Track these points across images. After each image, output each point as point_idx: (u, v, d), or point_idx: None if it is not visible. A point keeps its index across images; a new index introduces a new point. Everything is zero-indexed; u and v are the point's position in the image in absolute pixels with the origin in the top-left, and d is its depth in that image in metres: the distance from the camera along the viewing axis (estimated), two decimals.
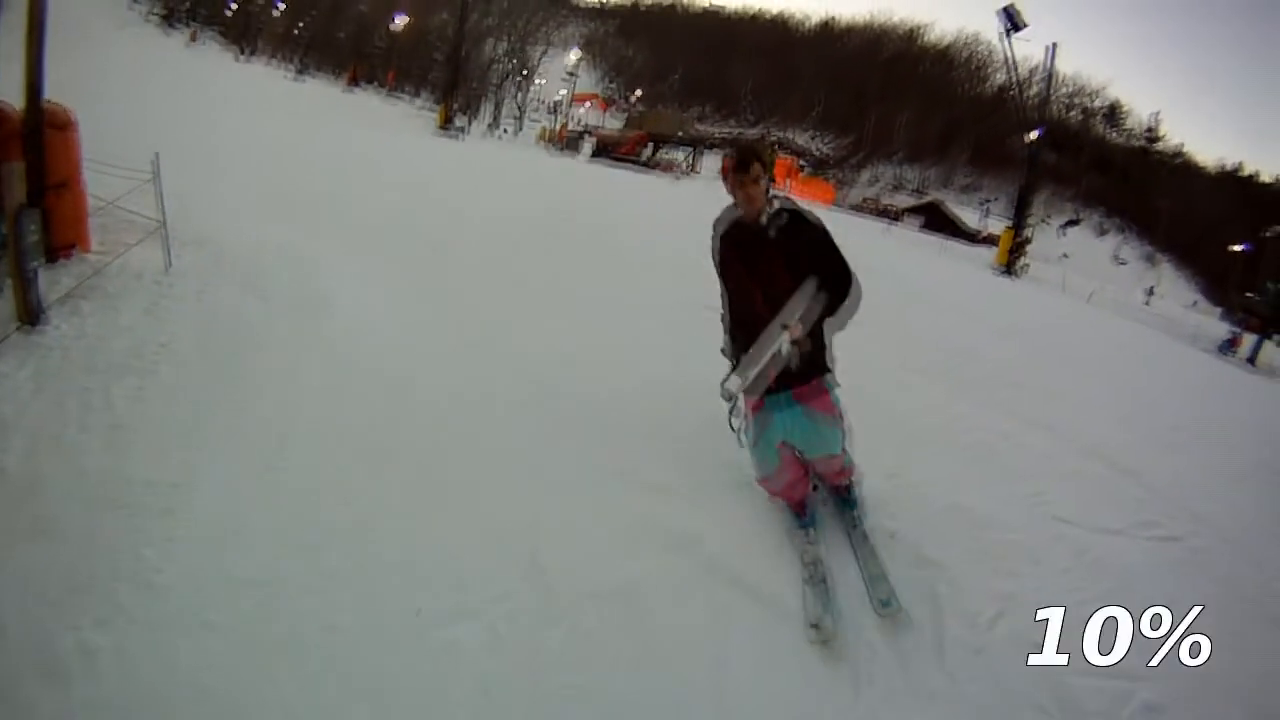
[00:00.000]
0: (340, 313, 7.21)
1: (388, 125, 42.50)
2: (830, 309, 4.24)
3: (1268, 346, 35.05)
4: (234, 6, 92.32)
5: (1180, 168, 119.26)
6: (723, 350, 4.73)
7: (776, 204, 4.35)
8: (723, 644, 3.90)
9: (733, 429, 4.53)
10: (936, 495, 5.24)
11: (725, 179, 4.34)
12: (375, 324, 7.14)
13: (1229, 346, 35.19)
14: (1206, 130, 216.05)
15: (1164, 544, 5.52)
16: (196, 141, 15.28)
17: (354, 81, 77.72)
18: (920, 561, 4.60)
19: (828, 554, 4.51)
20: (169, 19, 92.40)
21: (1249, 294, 45.71)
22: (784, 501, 4.81)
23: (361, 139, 25.40)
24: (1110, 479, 6.57)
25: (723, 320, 4.70)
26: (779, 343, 4.09)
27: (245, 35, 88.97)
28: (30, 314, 5.98)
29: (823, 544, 4.53)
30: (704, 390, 6.58)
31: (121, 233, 7.70)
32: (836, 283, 4.23)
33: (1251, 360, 32.58)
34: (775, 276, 4.26)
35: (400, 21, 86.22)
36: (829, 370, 4.51)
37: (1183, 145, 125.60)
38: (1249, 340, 35.67)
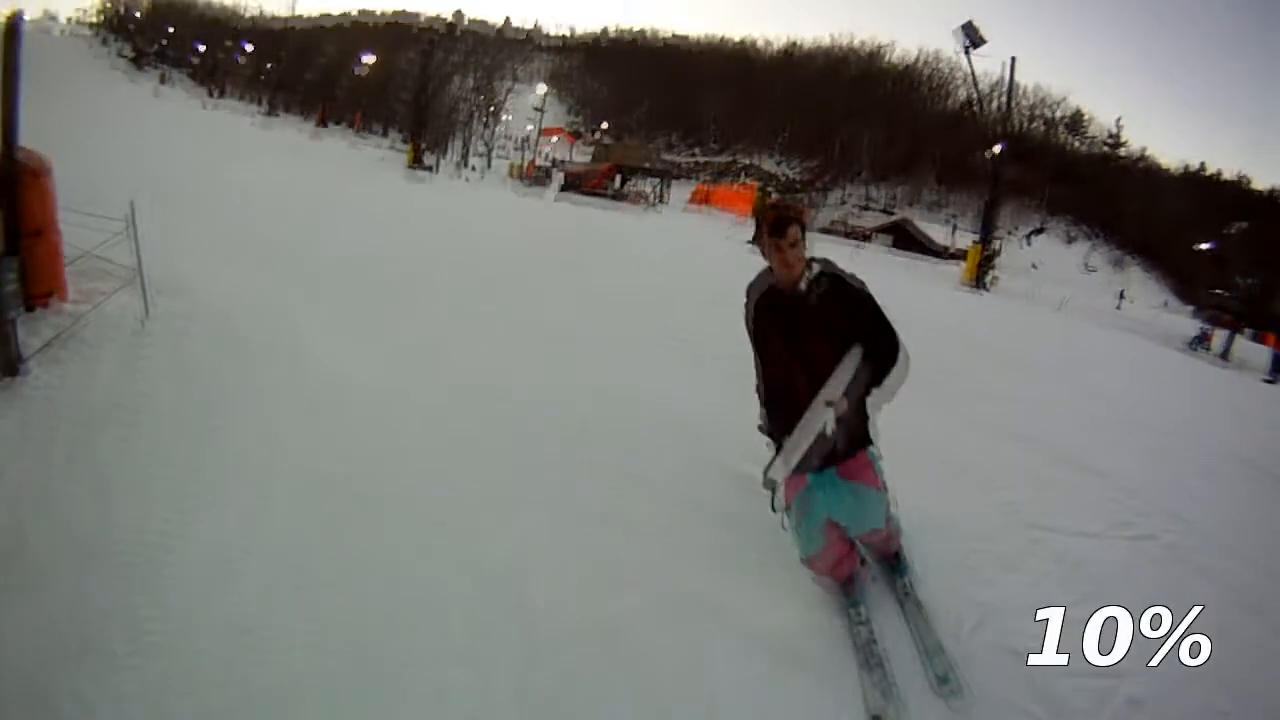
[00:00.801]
0: (317, 360, 7.25)
1: (357, 165, 42.43)
2: (876, 379, 4.03)
3: (1239, 341, 35.48)
4: (201, 49, 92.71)
5: (1144, 171, 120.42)
6: (760, 427, 4.46)
7: (816, 267, 4.10)
8: (708, 676, 3.96)
9: (774, 510, 4.27)
10: (910, 509, 5.28)
11: (759, 242, 4.10)
12: (352, 370, 7.17)
13: (1199, 342, 35.61)
14: (1168, 132, 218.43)
15: (1141, 542, 5.76)
16: (168, 185, 15.23)
17: (323, 122, 77.85)
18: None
19: (880, 629, 4.32)
20: (137, 62, 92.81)
21: (1218, 290, 46.24)
22: (830, 580, 4.48)
23: (332, 180, 25.43)
24: (1084, 483, 6.76)
25: (758, 391, 4.44)
26: (823, 421, 3.90)
27: (213, 78, 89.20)
28: (9, 364, 5.99)
29: (874, 620, 4.31)
30: (685, 428, 6.79)
31: (98, 281, 7.70)
32: (882, 351, 4.00)
33: (1224, 355, 33.00)
34: (816, 347, 4.02)
35: (367, 62, 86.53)
36: (871, 442, 4.27)
37: (1145, 149, 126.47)
38: (1220, 336, 36.12)
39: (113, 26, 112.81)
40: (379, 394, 6.77)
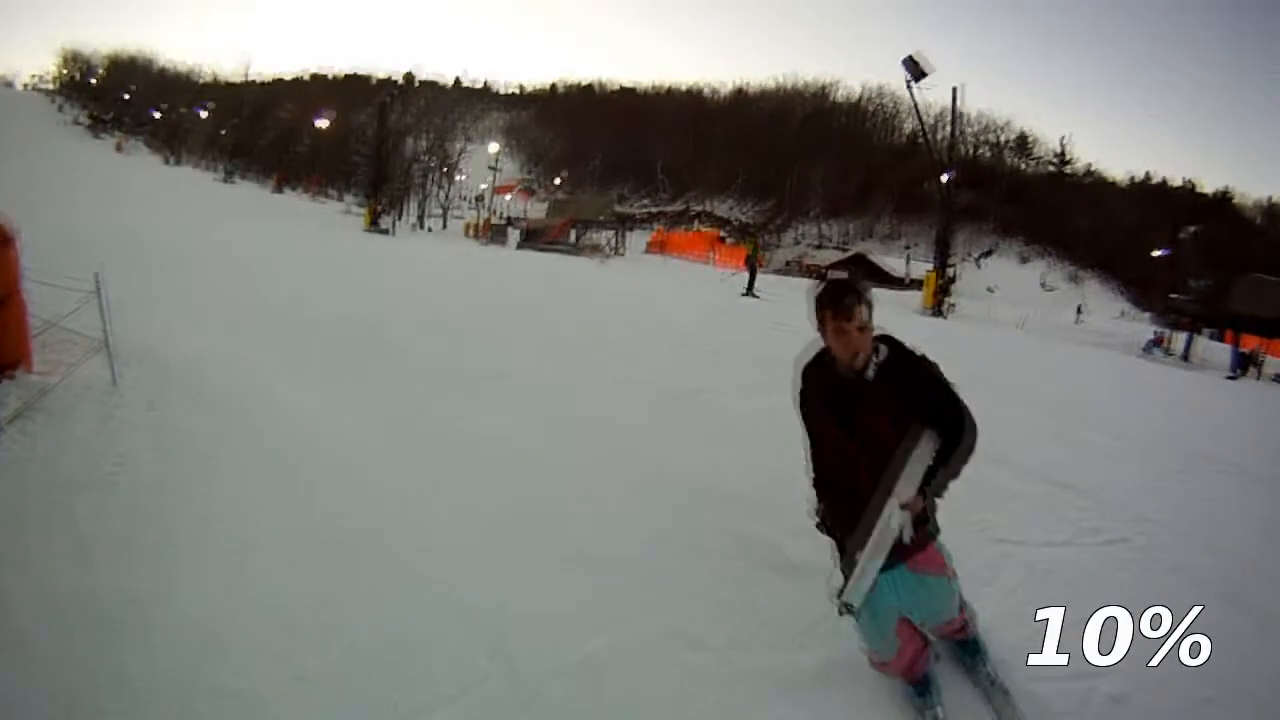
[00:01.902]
0: (288, 418, 7.36)
1: (317, 226, 42.61)
2: (943, 458, 3.56)
3: (1200, 341, 36.10)
4: (157, 114, 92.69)
5: (1093, 186, 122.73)
6: (818, 521, 3.96)
7: (883, 350, 3.62)
8: (692, 713, 4.00)
9: (840, 614, 3.71)
10: None
11: (818, 320, 3.59)
12: (324, 426, 7.28)
13: (1154, 345, 36.30)
14: (1114, 145, 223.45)
15: (1112, 546, 5.91)
16: (131, 250, 15.33)
17: (280, 186, 78.02)
18: None
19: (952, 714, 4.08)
20: (95, 127, 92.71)
21: (1174, 295, 47.01)
22: (902, 680, 4.08)
23: (294, 241, 25.60)
24: (1052, 495, 6.94)
25: (809, 475, 3.95)
26: (895, 521, 3.48)
27: (171, 141, 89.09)
28: None
29: (942, 706, 4.03)
30: (657, 469, 6.91)
31: (63, 349, 7.77)
32: (950, 429, 3.56)
33: (1186, 357, 33.61)
34: (878, 428, 3.58)
35: (323, 122, 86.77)
36: (937, 528, 3.86)
37: (1092, 164, 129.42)
38: (1178, 338, 36.79)
39: (70, 91, 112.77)
40: (352, 448, 6.87)
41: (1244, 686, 4.22)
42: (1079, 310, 64.88)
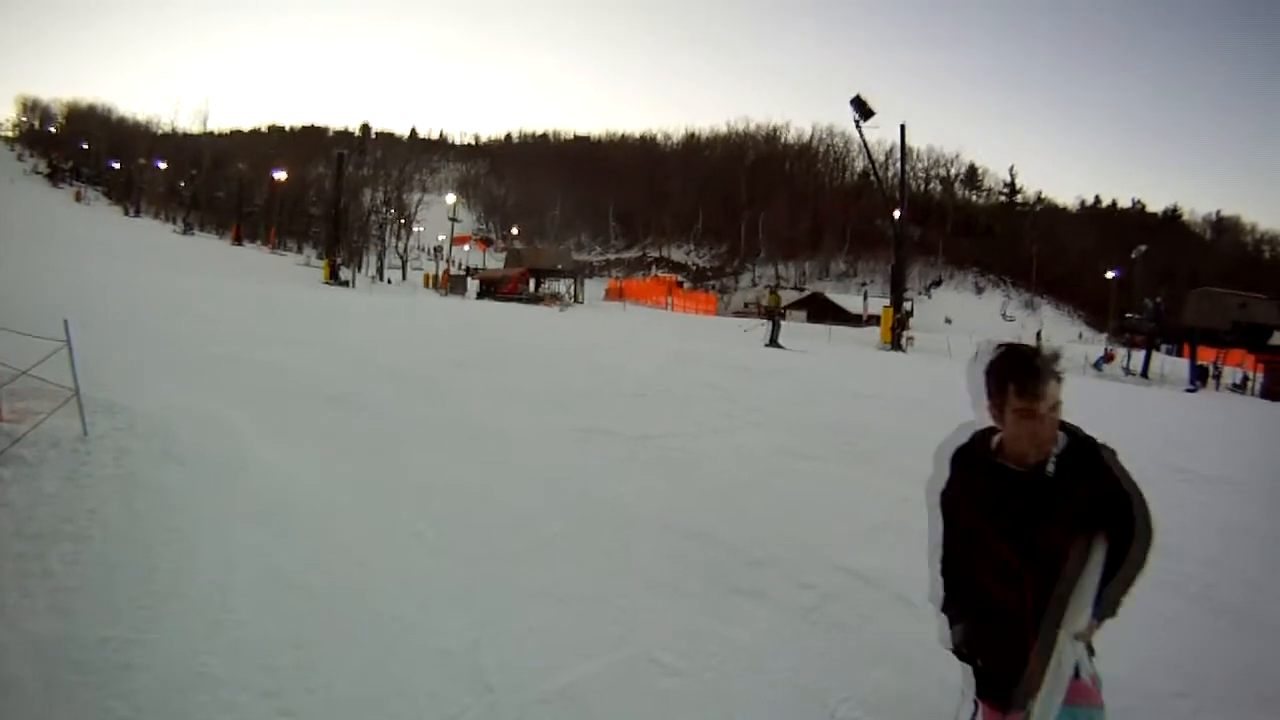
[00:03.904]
0: (259, 468, 7.43)
1: (277, 279, 42.56)
2: (1112, 571, 2.80)
3: (1157, 357, 36.79)
4: (116, 164, 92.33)
5: (1044, 213, 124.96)
6: (953, 648, 3.14)
7: (1062, 438, 2.82)
8: None
9: None
10: (835, 565, 5.86)
11: (995, 397, 2.82)
12: (295, 476, 7.38)
13: (1103, 362, 36.98)
14: (1062, 172, 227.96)
15: None
16: (94, 301, 15.29)
17: (239, 238, 77.84)
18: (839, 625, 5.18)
19: None
20: (53, 177, 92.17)
21: (1129, 314, 47.85)
22: None
23: (254, 295, 25.52)
24: None
25: (936, 592, 3.21)
26: (1069, 656, 2.71)
27: (129, 194, 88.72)
28: None
29: None
30: (621, 507, 7.12)
31: (29, 399, 7.73)
32: (1124, 533, 2.81)
33: (1144, 374, 34.22)
34: (1051, 544, 2.76)
35: (280, 175, 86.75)
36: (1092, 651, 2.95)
37: (1041, 192, 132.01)
38: (1123, 355, 37.58)
39: (29, 140, 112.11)
40: (322, 497, 6.97)
41: (1213, 680, 4.38)
42: (1037, 336, 65.86)
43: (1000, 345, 2.91)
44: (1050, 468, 2.75)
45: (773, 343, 27.70)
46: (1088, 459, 2.80)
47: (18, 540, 5.44)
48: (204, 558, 5.50)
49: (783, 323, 30.74)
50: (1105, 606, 2.80)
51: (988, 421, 2.92)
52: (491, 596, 5.35)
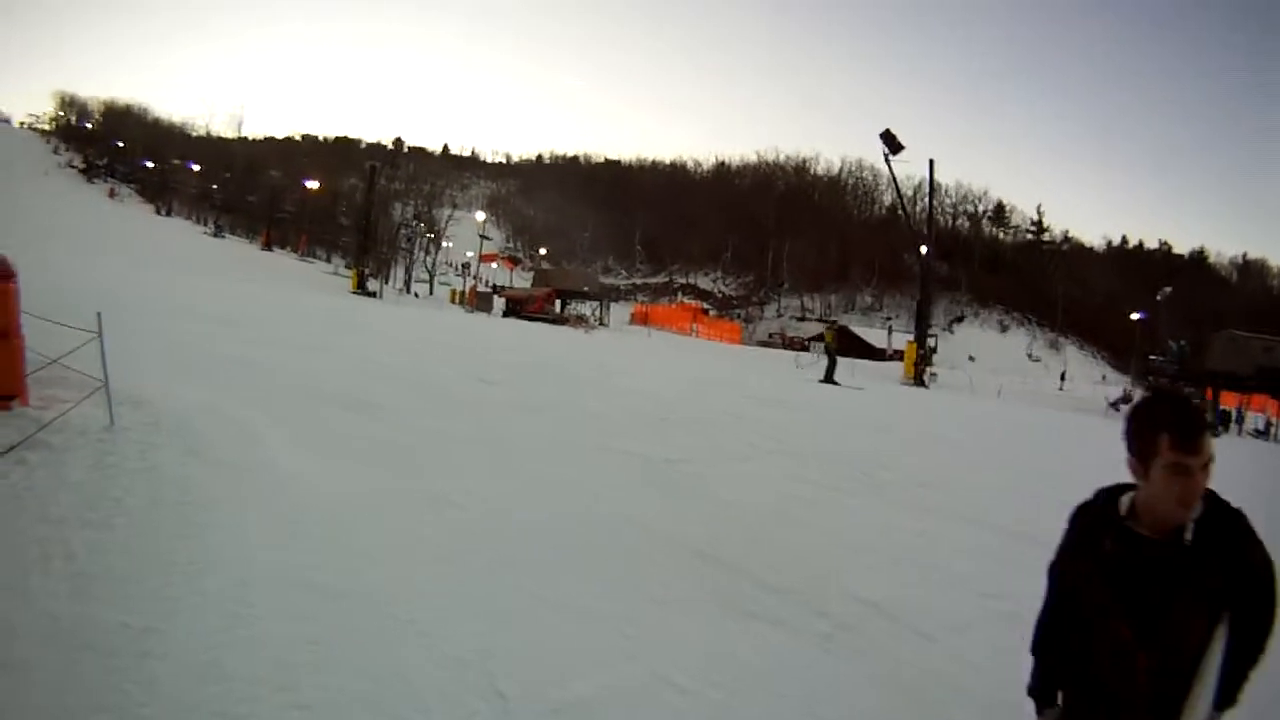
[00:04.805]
0: (283, 471, 7.47)
1: (305, 287, 42.92)
2: (1237, 655, 2.47)
3: None
4: (150, 164, 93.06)
5: (1070, 253, 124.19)
6: (1045, 708, 2.84)
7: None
8: None
9: None
10: (849, 596, 5.95)
11: (1143, 450, 2.45)
12: (313, 483, 7.37)
13: (1122, 403, 36.69)
14: (1089, 210, 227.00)
15: None
16: (124, 296, 15.45)
17: (269, 244, 78.24)
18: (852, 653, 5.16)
19: None
20: (88, 173, 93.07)
21: (1152, 356, 47.47)
22: None
23: (283, 300, 25.75)
24: (1030, 553, 7.11)
25: (1035, 664, 2.91)
26: None
27: (162, 194, 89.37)
28: None
29: None
30: (641, 526, 7.18)
31: (57, 387, 7.85)
32: (1260, 619, 2.49)
33: None
34: (1179, 623, 2.41)
35: (313, 184, 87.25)
36: None
37: (1068, 231, 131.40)
38: (1138, 396, 37.15)
39: (65, 135, 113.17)
40: (341, 502, 6.99)
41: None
42: (1062, 376, 65.56)
43: (1150, 392, 2.61)
44: (1188, 535, 2.40)
45: (828, 379, 27.63)
46: (1229, 527, 2.46)
47: (42, 524, 5.49)
48: (224, 554, 5.54)
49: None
50: (1227, 694, 2.49)
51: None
52: (505, 607, 5.37)
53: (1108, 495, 2.63)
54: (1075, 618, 2.62)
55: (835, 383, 27.07)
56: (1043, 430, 19.50)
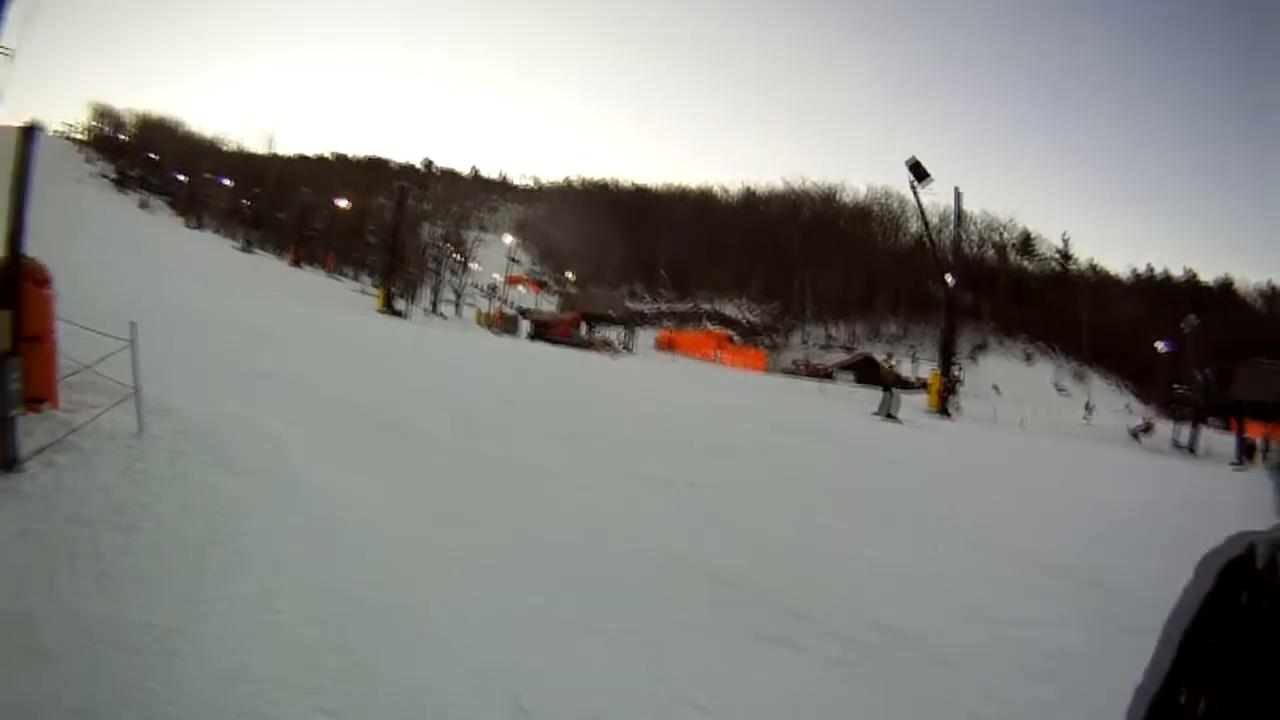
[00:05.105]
0: (311, 485, 7.51)
1: (333, 304, 43.17)
2: None
3: (1206, 432, 35.97)
4: (181, 177, 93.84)
5: (1096, 283, 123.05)
6: None
7: None
8: None
9: None
10: (867, 623, 6.00)
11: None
12: (342, 497, 7.43)
13: (1141, 432, 36.28)
14: (1114, 239, 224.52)
15: (1102, 624, 6.41)
16: (155, 306, 15.56)
17: (297, 261, 78.68)
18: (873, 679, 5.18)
19: None
20: (121, 183, 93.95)
21: (1176, 385, 47.06)
22: None
23: (311, 317, 25.95)
24: (1046, 581, 7.32)
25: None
26: None
27: (192, 207, 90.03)
28: (5, 460, 6.18)
29: None
30: (662, 550, 7.15)
31: (87, 393, 7.97)
32: None
33: (1192, 449, 33.49)
34: None
35: (343, 202, 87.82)
36: None
37: (1094, 260, 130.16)
38: (1170, 428, 36.62)
39: (99, 145, 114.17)
40: (370, 517, 7.04)
41: None
42: (1087, 407, 65.10)
43: None
44: None
45: (887, 415, 27.50)
46: None
47: (70, 524, 5.53)
48: (253, 562, 5.57)
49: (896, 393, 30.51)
50: None
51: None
52: (530, 625, 5.38)
53: (1244, 543, 2.18)
54: (1199, 683, 2.15)
55: (893, 418, 26.93)
56: (1067, 461, 19.46)
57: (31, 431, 6.67)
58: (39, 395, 7.27)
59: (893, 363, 34.17)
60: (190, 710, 3.89)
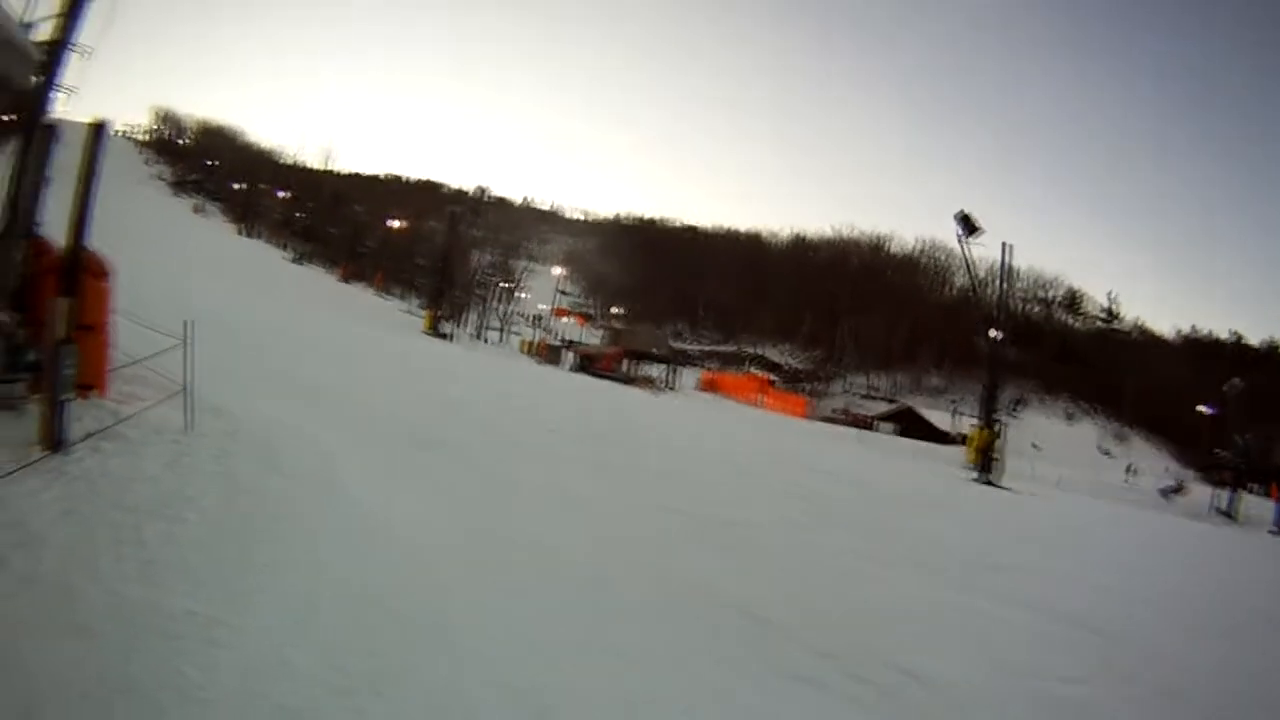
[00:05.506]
0: (356, 494, 7.64)
1: (380, 321, 43.64)
2: None
3: (1246, 498, 35.49)
4: (237, 186, 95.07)
5: (1141, 343, 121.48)
6: None
7: None
8: None
9: None
10: (904, 663, 6.12)
11: None
12: (384, 508, 7.51)
13: (1173, 492, 35.88)
14: (1160, 299, 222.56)
15: (1124, 683, 6.51)
16: (209, 308, 15.80)
17: (346, 277, 79.36)
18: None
19: None
20: (177, 186, 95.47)
21: (1218, 450, 46.37)
22: None
23: (360, 332, 26.31)
24: (1077, 637, 7.43)
25: None
26: None
27: (246, 215, 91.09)
28: (54, 442, 6.25)
29: None
30: (692, 581, 7.34)
31: (137, 385, 8.11)
32: None
33: (1230, 514, 33.05)
34: None
35: (395, 223, 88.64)
36: None
37: (1140, 319, 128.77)
38: (1211, 493, 36.13)
39: (159, 148, 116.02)
40: (411, 530, 7.14)
41: None
42: (1128, 469, 64.38)
43: None
44: None
45: (987, 480, 27.24)
46: None
47: (115, 510, 5.58)
48: (297, 563, 5.63)
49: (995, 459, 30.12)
50: None
51: None
52: (563, 648, 5.40)
53: None
54: None
55: (993, 484, 26.75)
56: (1103, 523, 19.36)
57: (80, 417, 6.74)
58: (88, 382, 7.35)
59: (985, 431, 32.99)
60: (224, 696, 3.91)
